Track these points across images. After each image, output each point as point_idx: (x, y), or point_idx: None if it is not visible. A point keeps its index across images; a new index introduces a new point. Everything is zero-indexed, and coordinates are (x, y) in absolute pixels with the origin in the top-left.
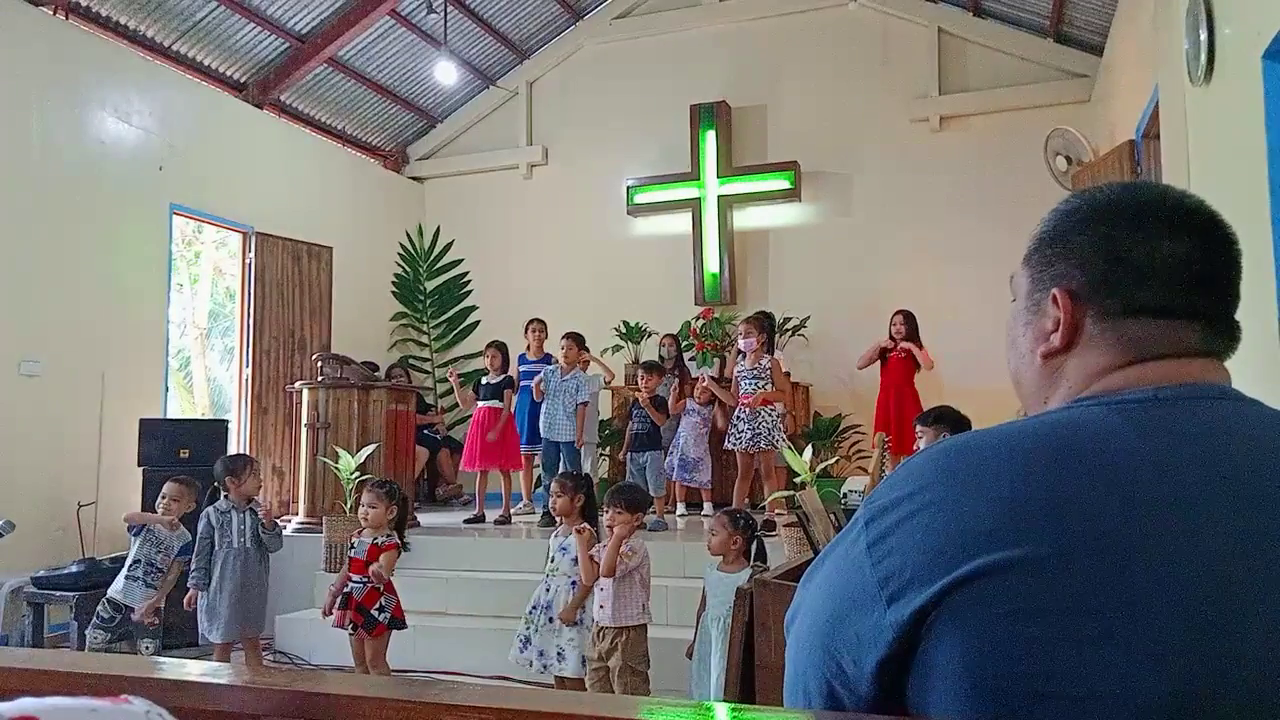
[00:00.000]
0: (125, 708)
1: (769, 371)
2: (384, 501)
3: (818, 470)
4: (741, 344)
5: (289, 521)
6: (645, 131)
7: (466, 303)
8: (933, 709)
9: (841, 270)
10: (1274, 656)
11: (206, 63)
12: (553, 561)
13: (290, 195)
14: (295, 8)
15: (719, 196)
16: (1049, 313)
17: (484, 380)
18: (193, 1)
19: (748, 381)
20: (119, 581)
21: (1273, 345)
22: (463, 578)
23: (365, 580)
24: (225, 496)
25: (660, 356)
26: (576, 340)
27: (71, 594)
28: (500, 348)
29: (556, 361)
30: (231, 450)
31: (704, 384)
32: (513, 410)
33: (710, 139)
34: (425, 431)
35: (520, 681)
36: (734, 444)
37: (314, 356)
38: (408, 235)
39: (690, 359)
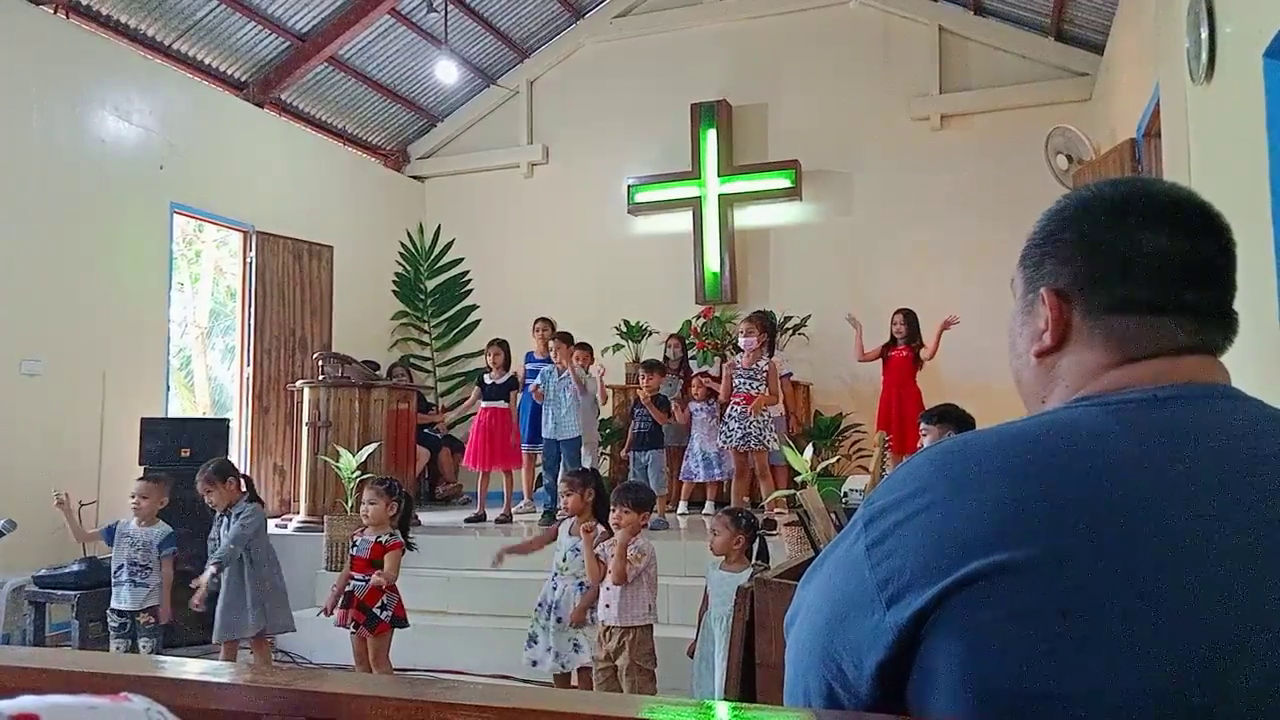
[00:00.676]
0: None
1: (765, 374)
2: (384, 498)
3: (818, 469)
4: (741, 342)
5: (289, 521)
6: (646, 130)
7: (467, 302)
8: (933, 711)
9: (842, 269)
10: (1273, 656)
11: (207, 61)
12: (565, 560)
13: (291, 194)
14: (296, 6)
15: (719, 195)
16: (1040, 312)
17: (488, 380)
18: (193, 0)
19: (742, 380)
20: (112, 591)
21: (1273, 344)
22: (464, 577)
23: (367, 578)
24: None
25: (665, 357)
26: (565, 340)
27: (73, 593)
28: (502, 345)
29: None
30: (231, 450)
31: (697, 384)
32: (516, 409)
33: (711, 138)
34: (426, 431)
35: (521, 680)
36: (725, 442)
37: (315, 355)
38: (408, 234)
39: (690, 358)
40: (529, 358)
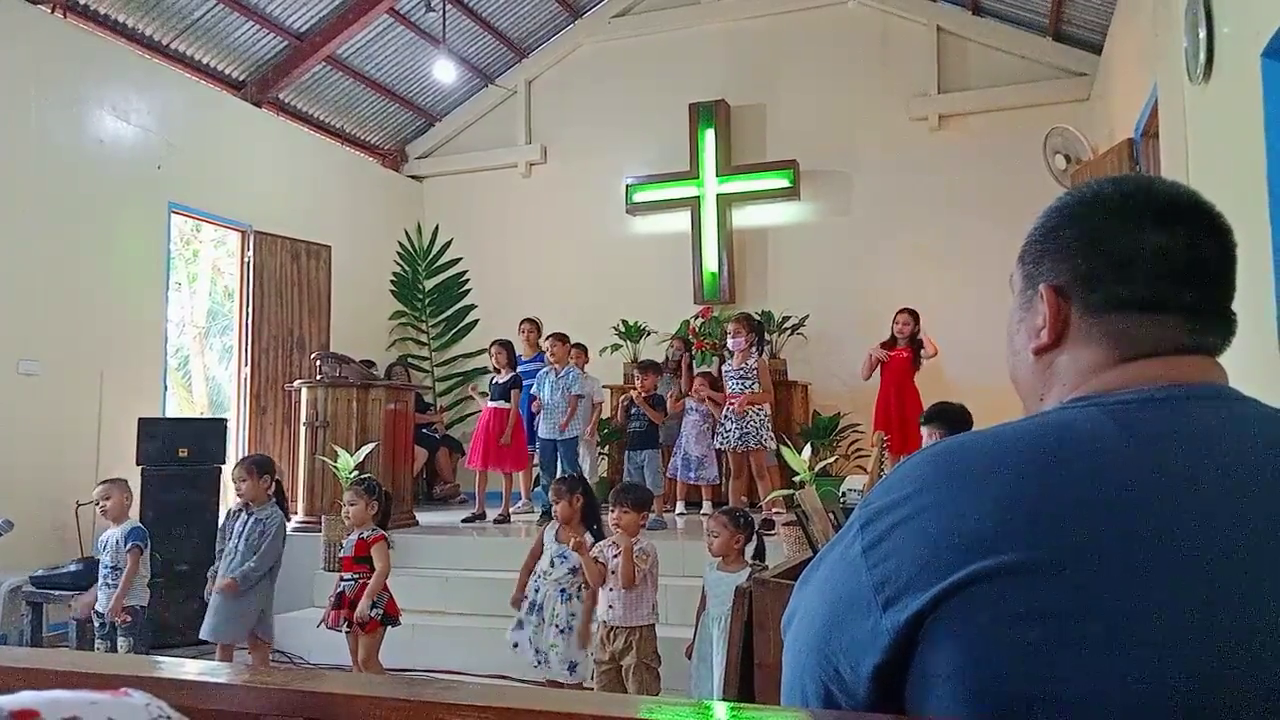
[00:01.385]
0: (125, 701)
1: (755, 372)
2: (364, 498)
3: (816, 469)
4: (730, 343)
5: (289, 520)
6: (644, 130)
7: (465, 301)
8: (930, 713)
9: (840, 269)
10: (1274, 657)
11: (205, 61)
12: (551, 566)
13: (289, 194)
14: (294, 6)
15: (718, 195)
16: (1039, 309)
17: (492, 380)
18: (191, 0)
19: (734, 381)
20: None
21: (1271, 344)
22: (462, 577)
23: (356, 577)
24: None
25: (666, 358)
26: (561, 339)
27: (70, 593)
28: (505, 345)
29: (550, 362)
30: (231, 449)
31: (699, 384)
32: (517, 409)
33: (709, 137)
34: (424, 430)
35: (519, 680)
36: (723, 444)
37: (312, 355)
38: (406, 234)
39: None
40: (518, 360)
